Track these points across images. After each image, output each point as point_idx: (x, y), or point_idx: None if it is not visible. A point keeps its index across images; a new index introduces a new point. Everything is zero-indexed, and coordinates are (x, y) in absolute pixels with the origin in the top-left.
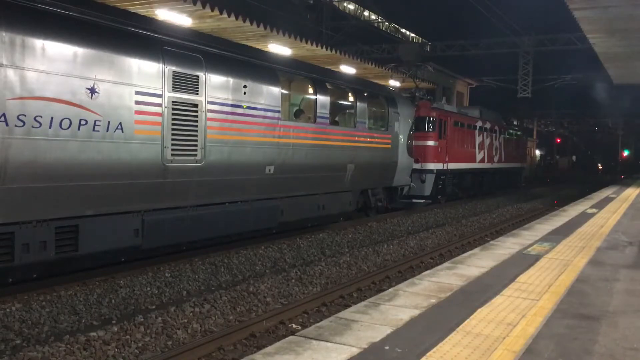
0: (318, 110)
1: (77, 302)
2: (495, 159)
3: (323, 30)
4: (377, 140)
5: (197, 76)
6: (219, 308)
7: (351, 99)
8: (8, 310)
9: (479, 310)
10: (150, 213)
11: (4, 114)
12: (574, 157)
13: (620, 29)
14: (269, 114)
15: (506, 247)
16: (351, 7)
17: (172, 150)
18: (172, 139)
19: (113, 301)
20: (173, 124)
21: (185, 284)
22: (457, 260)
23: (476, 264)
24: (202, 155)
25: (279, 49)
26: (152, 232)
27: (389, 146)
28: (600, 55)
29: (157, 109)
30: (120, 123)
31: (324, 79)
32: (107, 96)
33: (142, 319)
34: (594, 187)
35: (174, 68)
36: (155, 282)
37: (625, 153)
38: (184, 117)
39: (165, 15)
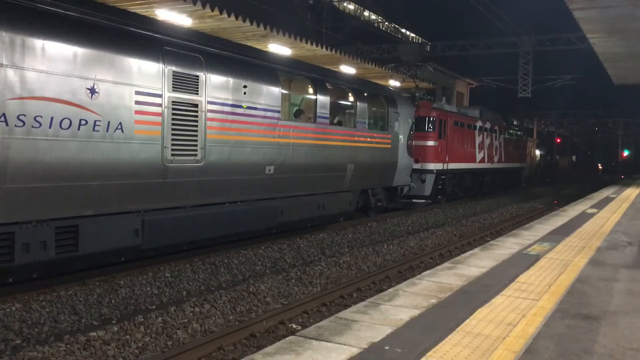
0: (318, 110)
1: (77, 302)
2: (495, 158)
3: (323, 30)
4: (377, 140)
5: (197, 76)
6: (219, 308)
7: (351, 99)
8: (8, 310)
9: (479, 310)
10: (150, 213)
11: (4, 114)
12: (574, 157)
13: (620, 29)
14: (269, 114)
15: (506, 247)
16: (351, 7)
17: (172, 150)
18: (172, 139)
19: (113, 301)
20: (173, 124)
21: (185, 284)
22: (457, 260)
23: (476, 264)
24: (202, 155)
25: (279, 49)
26: (152, 232)
27: (389, 146)
28: (600, 55)
29: (157, 109)
30: (120, 123)
31: (324, 79)
32: (107, 96)
33: (142, 319)
34: (594, 187)
35: (174, 68)
36: (155, 282)
37: (625, 153)
38: (184, 117)
39: (165, 15)
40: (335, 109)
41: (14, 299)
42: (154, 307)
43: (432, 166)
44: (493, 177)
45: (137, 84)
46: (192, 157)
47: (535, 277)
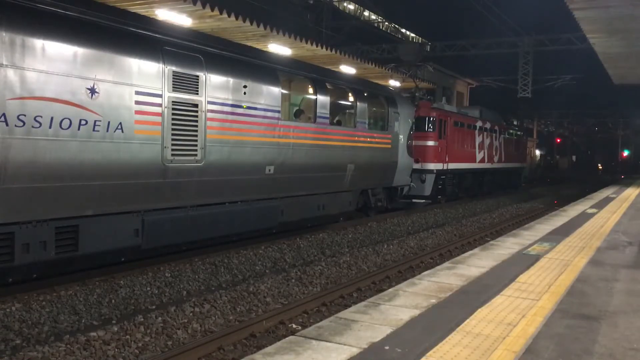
0: (318, 110)
1: (77, 302)
2: (496, 159)
3: (323, 30)
4: (377, 140)
5: (197, 76)
6: (219, 308)
7: (351, 99)
8: (8, 310)
9: (479, 310)
10: (150, 213)
11: (4, 114)
12: (574, 157)
13: (620, 29)
14: (269, 114)
15: (506, 247)
16: (351, 7)
17: (172, 150)
18: (172, 139)
19: (113, 301)
20: (173, 124)
21: (185, 284)
22: (457, 260)
23: (476, 264)
24: (202, 155)
25: (279, 49)
26: (152, 232)
27: (389, 146)
28: (600, 55)
29: (157, 109)
30: (120, 123)
31: (324, 79)
32: (107, 96)
33: (142, 319)
34: (594, 187)
35: (174, 68)
36: (155, 282)
37: (625, 153)
38: (184, 117)
39: (165, 15)
40: (335, 109)
41: (14, 299)
42: (154, 307)
43: (432, 166)
44: (493, 177)
45: (137, 84)
46: (192, 157)
47: (535, 277)
